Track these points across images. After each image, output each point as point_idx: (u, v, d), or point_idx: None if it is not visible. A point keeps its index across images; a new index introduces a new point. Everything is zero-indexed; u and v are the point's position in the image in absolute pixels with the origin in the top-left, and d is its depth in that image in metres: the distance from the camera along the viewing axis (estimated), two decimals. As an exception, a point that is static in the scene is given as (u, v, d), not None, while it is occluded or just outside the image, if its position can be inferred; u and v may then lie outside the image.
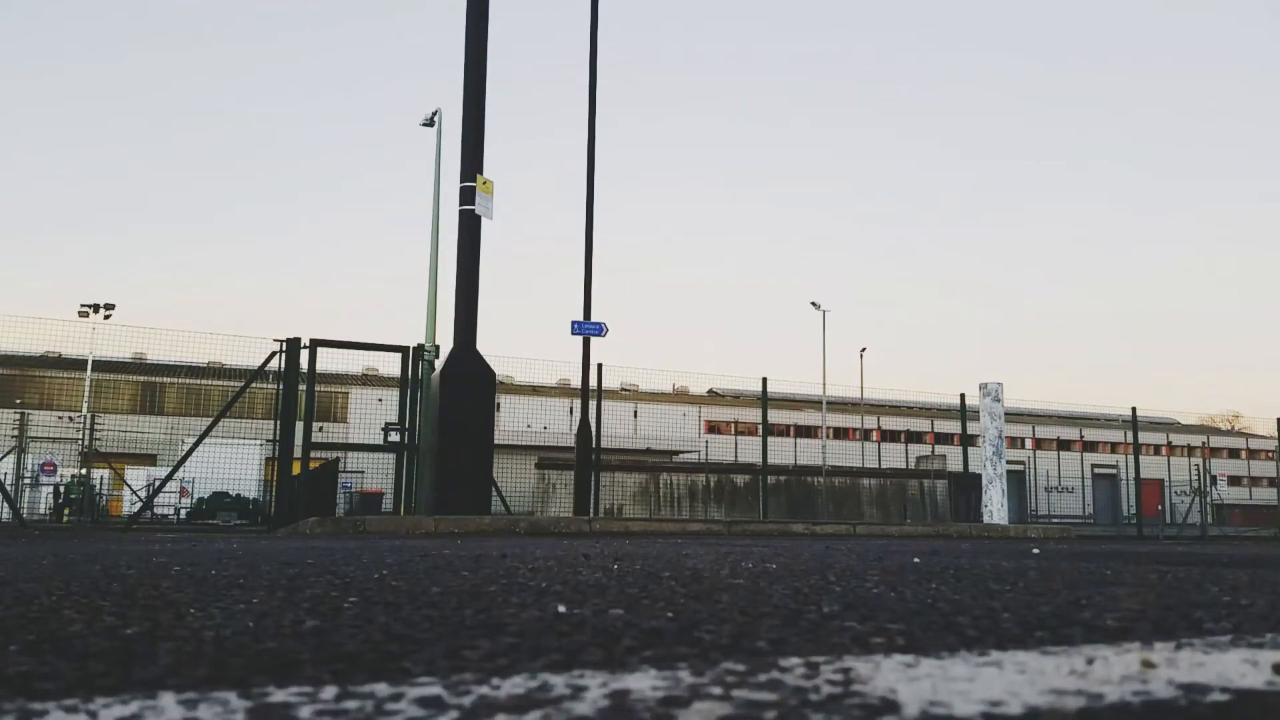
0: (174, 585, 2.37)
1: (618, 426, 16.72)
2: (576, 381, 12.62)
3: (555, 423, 26.95)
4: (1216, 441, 62.16)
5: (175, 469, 11.52)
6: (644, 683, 1.05)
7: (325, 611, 1.78)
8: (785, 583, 2.52)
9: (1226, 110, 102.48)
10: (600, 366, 12.79)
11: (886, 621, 1.67)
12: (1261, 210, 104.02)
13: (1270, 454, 53.30)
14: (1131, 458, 19.65)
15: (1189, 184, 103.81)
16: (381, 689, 1.01)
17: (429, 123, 14.98)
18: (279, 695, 0.98)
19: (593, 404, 12.14)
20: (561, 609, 1.81)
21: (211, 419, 11.27)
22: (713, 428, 43.18)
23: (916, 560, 3.92)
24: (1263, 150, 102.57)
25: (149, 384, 35.71)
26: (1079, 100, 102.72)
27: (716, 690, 1.01)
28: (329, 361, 12.49)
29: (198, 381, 29.18)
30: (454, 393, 9.54)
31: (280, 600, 1.99)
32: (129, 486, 20.38)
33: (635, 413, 23.20)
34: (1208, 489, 23.68)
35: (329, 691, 1.00)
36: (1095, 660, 1.24)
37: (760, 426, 14.71)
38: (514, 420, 18.91)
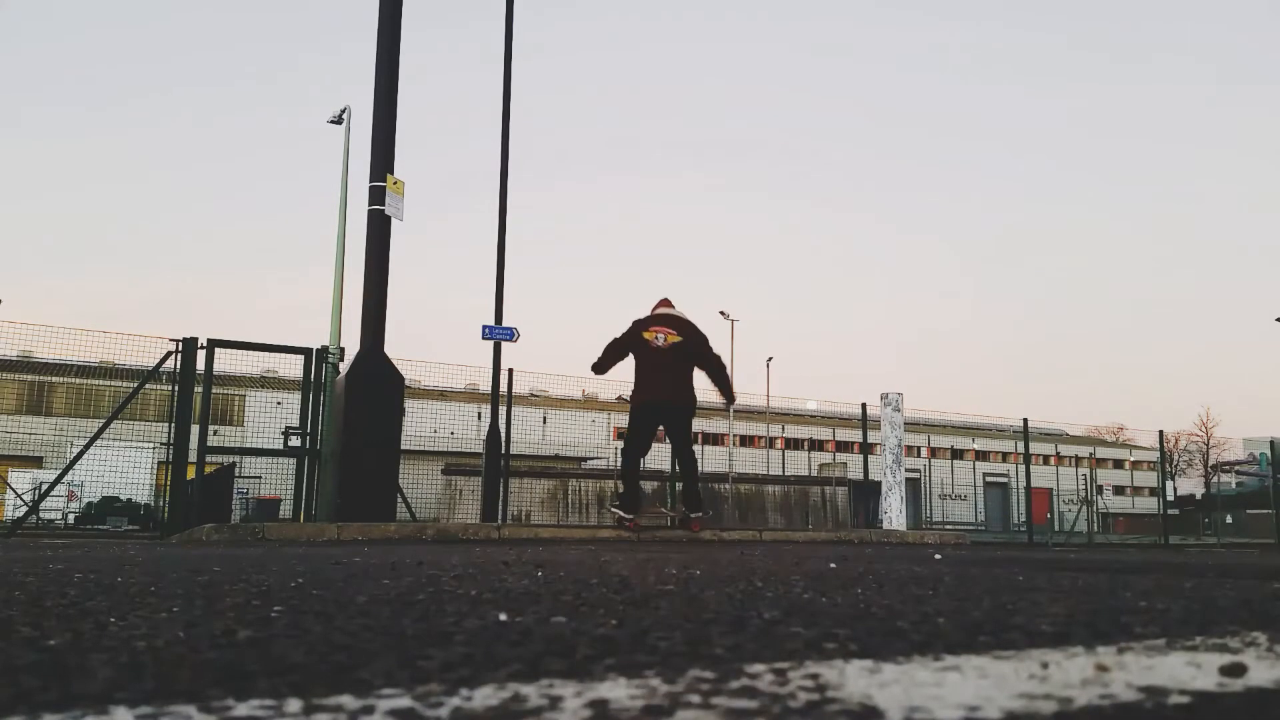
0: (82, 593, 2.26)
1: (527, 432, 16.62)
2: (485, 386, 12.48)
3: (462, 428, 26.65)
4: (1102, 453, 64.73)
5: (64, 472, 11.03)
6: (618, 691, 1.03)
7: (254, 621, 1.71)
8: (715, 589, 2.52)
9: (1112, 127, 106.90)
10: (511, 371, 12.68)
11: (831, 627, 1.68)
12: (1147, 229, 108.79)
13: (1152, 465, 55.69)
14: (1022, 467, 20.29)
15: (1075, 205, 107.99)
16: (348, 701, 0.97)
17: (337, 120, 14.66)
18: (241, 709, 0.93)
19: (503, 409, 12.03)
20: (503, 617, 1.77)
21: (102, 420, 10.85)
22: (621, 435, 43.16)
23: (833, 565, 3.97)
24: (1144, 167, 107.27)
25: (36, 383, 34.25)
26: (968, 115, 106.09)
27: (695, 699, 1.00)
28: (227, 363, 12.14)
29: (88, 381, 28.09)
30: (360, 396, 9.35)
31: (202, 609, 1.91)
32: (13, 490, 19.48)
33: (545, 419, 23.10)
34: (1094, 498, 24.60)
35: (293, 705, 0.95)
36: (1050, 664, 1.26)
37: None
38: (420, 425, 18.64)
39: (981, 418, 41.80)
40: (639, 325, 9.21)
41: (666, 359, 9.04)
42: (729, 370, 10.26)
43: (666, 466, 13.46)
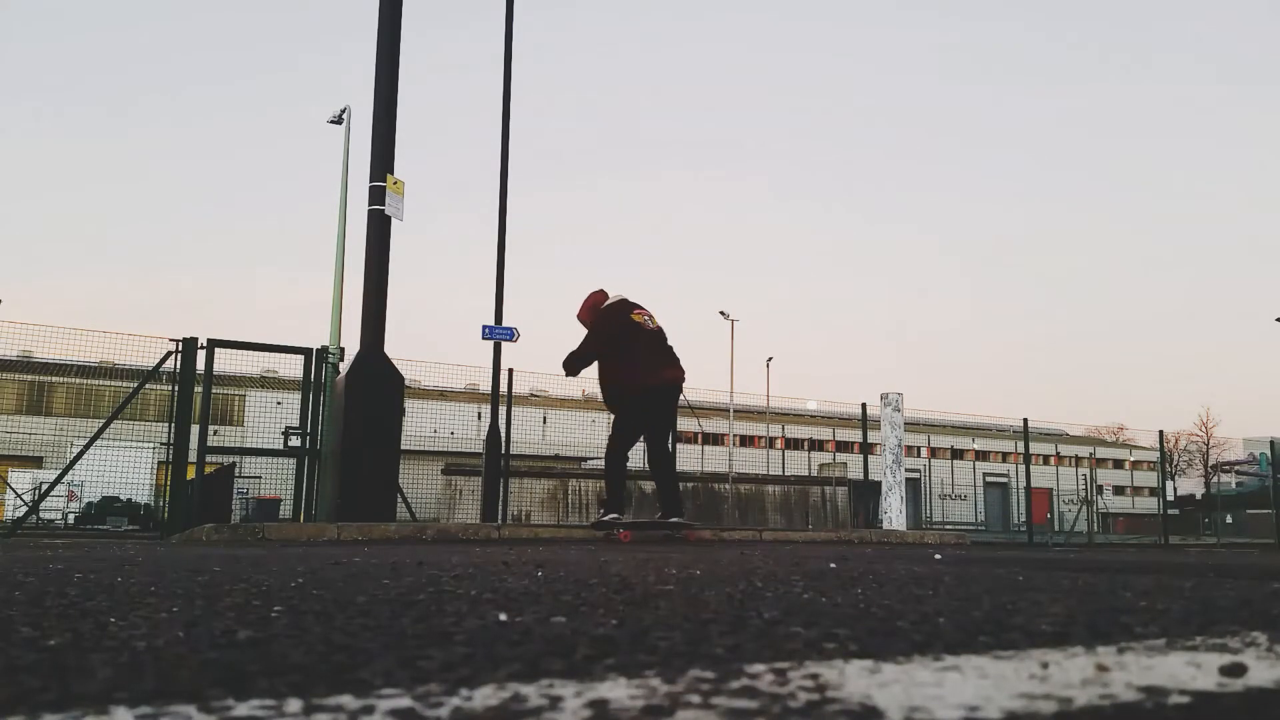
0: (83, 593, 2.26)
1: (527, 432, 16.62)
2: (485, 386, 12.48)
3: (462, 428, 26.65)
4: (1102, 453, 64.71)
5: (64, 472, 11.04)
6: (618, 691, 1.03)
7: (254, 621, 1.71)
8: (715, 589, 2.52)
9: (1112, 127, 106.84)
10: (511, 371, 12.68)
11: (831, 627, 1.68)
12: (1147, 229, 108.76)
13: (1152, 465, 55.69)
14: (1022, 467, 20.26)
15: (1075, 204, 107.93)
16: (348, 701, 0.97)
17: (337, 120, 14.67)
18: (241, 709, 0.93)
19: (502, 409, 12.02)
20: (503, 617, 1.77)
21: (102, 420, 10.86)
22: (621, 435, 43.04)
23: (833, 565, 3.97)
24: (1144, 167, 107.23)
25: (36, 383, 34.24)
26: (968, 115, 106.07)
27: (695, 699, 1.00)
28: (226, 363, 12.14)
29: (88, 381, 28.09)
30: (360, 396, 9.34)
31: (202, 609, 1.91)
32: (13, 490, 19.49)
33: (545, 419, 23.13)
34: (1094, 498, 24.59)
35: (293, 704, 0.95)
36: (1050, 664, 1.26)
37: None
38: (420, 425, 18.64)
39: (981, 418, 41.77)
40: (622, 307, 8.58)
41: (662, 338, 8.59)
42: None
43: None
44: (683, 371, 8.64)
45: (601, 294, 8.84)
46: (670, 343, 8.70)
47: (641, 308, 8.67)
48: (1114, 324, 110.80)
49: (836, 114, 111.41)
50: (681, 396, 8.95)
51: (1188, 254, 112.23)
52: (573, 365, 8.60)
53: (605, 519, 8.46)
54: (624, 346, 8.43)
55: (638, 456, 9.35)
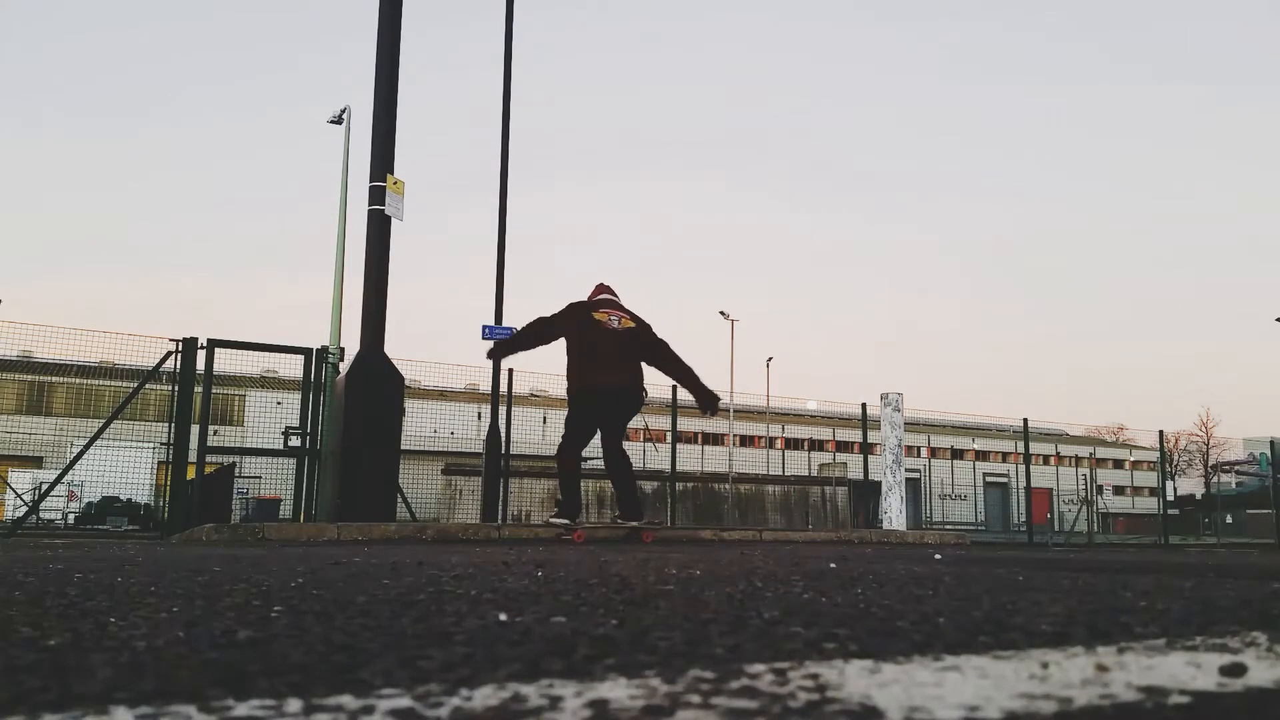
0: (83, 593, 2.26)
1: (527, 432, 16.63)
2: (485, 386, 12.50)
3: (462, 428, 26.67)
4: (1102, 453, 64.68)
5: (64, 472, 11.04)
6: (618, 691, 1.03)
7: (254, 621, 1.71)
8: (715, 589, 2.52)
9: (1112, 127, 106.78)
10: (511, 372, 12.69)
11: (831, 627, 1.68)
12: (1147, 229, 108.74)
13: (1152, 465, 55.71)
14: (1022, 467, 20.25)
15: (1075, 204, 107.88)
16: (348, 701, 0.97)
17: (337, 120, 14.67)
18: (241, 709, 0.93)
19: (502, 409, 12.03)
20: (503, 617, 1.77)
21: (102, 420, 10.86)
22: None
23: (833, 565, 3.97)
24: (1144, 167, 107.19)
25: (36, 383, 34.24)
26: (968, 115, 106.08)
27: (695, 699, 1.00)
28: (226, 363, 12.14)
29: (88, 381, 28.10)
30: (360, 396, 9.34)
31: (202, 609, 1.91)
32: (13, 490, 19.49)
33: (545, 419, 23.13)
34: (1094, 498, 24.58)
35: (293, 704, 0.95)
36: (1049, 664, 1.26)
37: (669, 434, 14.77)
38: (420, 425, 18.64)
39: (981, 418, 41.74)
40: (585, 306, 8.26)
41: (624, 340, 8.13)
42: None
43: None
44: (635, 377, 8.23)
45: (599, 288, 8.65)
46: (642, 344, 8.34)
47: (611, 308, 8.34)
48: (1114, 324, 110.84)
49: (836, 114, 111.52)
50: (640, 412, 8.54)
51: (1188, 254, 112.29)
52: (497, 351, 8.48)
53: (555, 521, 8.23)
54: (579, 346, 8.13)
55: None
